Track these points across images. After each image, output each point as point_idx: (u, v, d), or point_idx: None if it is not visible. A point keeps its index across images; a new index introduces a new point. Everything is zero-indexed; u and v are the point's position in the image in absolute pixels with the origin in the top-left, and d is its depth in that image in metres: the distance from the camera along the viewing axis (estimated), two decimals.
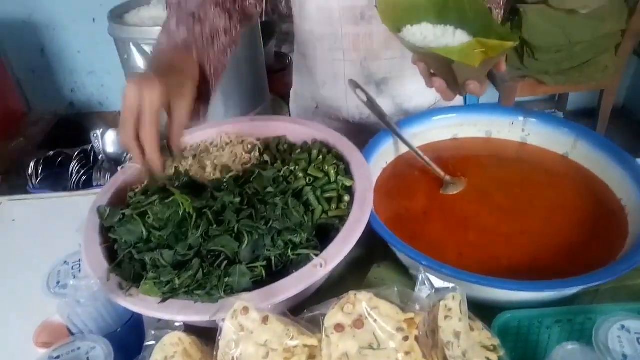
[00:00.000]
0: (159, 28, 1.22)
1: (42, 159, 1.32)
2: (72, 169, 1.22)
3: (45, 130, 2.24)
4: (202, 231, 0.62)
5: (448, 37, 0.70)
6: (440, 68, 0.70)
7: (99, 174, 1.19)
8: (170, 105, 0.63)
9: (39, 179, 1.24)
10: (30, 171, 1.26)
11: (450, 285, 0.57)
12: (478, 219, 0.74)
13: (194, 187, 0.71)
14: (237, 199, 0.67)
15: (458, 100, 1.10)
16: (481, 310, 0.64)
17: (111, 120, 2.87)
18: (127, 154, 1.23)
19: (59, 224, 0.85)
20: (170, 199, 0.66)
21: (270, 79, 1.69)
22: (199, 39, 0.74)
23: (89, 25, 2.55)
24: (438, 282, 0.58)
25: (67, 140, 2.33)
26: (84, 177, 1.22)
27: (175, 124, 0.64)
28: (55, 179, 1.26)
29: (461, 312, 0.56)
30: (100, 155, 1.24)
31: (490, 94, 2.61)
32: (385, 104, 0.98)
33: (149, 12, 1.28)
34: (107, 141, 1.22)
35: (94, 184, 1.23)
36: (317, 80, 1.04)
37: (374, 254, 0.80)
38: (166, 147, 0.66)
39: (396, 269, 0.75)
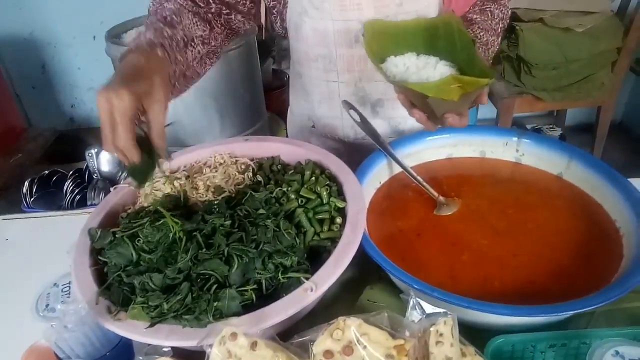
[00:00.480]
0: None
1: (36, 178, 1.32)
2: (67, 188, 1.21)
3: (44, 146, 2.25)
4: (191, 255, 0.61)
5: (429, 70, 0.71)
6: (418, 100, 0.70)
7: (93, 193, 1.18)
8: (145, 108, 0.63)
9: (33, 198, 1.24)
10: (24, 190, 1.26)
11: (442, 310, 0.56)
12: (471, 240, 0.74)
13: (185, 209, 0.71)
14: (228, 222, 0.66)
15: None
16: (473, 334, 0.63)
17: None
18: (121, 174, 1.23)
19: (52, 244, 0.84)
20: (161, 221, 0.66)
21: (268, 96, 1.70)
22: (167, 40, 0.73)
23: (89, 43, 2.57)
24: (429, 307, 0.57)
25: (66, 156, 2.34)
26: (78, 197, 1.22)
27: (153, 127, 0.64)
28: (50, 197, 1.25)
29: (453, 337, 0.55)
30: (95, 174, 1.23)
31: (488, 110, 2.62)
32: (381, 125, 0.98)
33: None
34: (102, 160, 1.22)
35: (89, 203, 1.23)
36: (312, 99, 1.04)
37: (368, 275, 0.79)
38: (152, 151, 0.66)
39: (389, 290, 0.74)
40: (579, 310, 0.58)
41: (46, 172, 1.35)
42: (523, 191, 0.84)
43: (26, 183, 1.27)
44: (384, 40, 0.77)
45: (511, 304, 0.61)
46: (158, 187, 0.77)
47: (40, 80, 2.73)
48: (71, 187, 1.21)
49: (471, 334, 0.63)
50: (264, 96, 1.63)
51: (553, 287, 0.66)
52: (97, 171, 1.22)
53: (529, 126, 2.71)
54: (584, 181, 0.82)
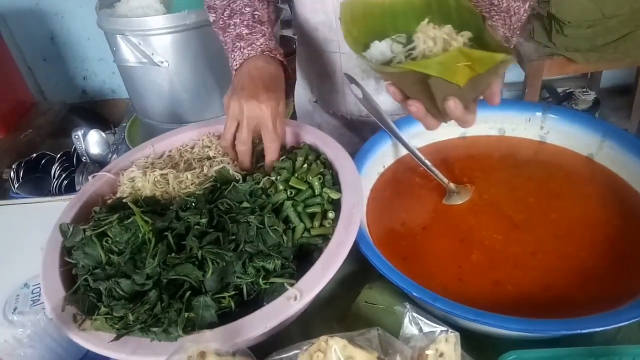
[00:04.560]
0: (148, 18, 1.16)
1: (23, 162, 1.27)
2: (54, 172, 1.16)
3: (54, 121, 2.21)
4: (159, 260, 0.55)
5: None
6: (416, 90, 0.58)
7: (81, 177, 1.13)
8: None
9: (19, 183, 1.19)
10: (11, 175, 1.21)
11: (441, 327, 0.48)
12: (483, 236, 0.65)
13: (160, 204, 0.64)
14: (205, 219, 0.59)
15: None
16: (482, 347, 0.55)
17: (123, 107, 2.84)
18: (112, 155, 1.16)
19: (34, 233, 0.79)
20: (130, 219, 0.59)
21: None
22: (272, 40, 0.76)
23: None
24: (427, 323, 0.49)
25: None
26: (66, 181, 1.17)
27: (271, 144, 0.69)
28: (38, 182, 1.21)
29: (455, 356, 0.48)
30: (84, 157, 1.17)
31: (515, 74, 2.45)
32: (385, 102, 0.88)
33: (139, 0, 1.20)
34: (90, 142, 1.15)
35: (77, 187, 1.17)
36: (315, 72, 0.97)
37: (368, 270, 0.72)
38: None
39: (391, 290, 0.66)
40: (607, 327, 0.49)
41: (34, 155, 1.30)
42: (547, 176, 0.74)
43: (13, 167, 1.22)
44: (367, 23, 0.66)
45: (527, 313, 0.53)
46: (133, 177, 0.70)
47: (51, 52, 2.68)
48: (59, 171, 1.15)
49: (479, 346, 0.56)
50: None
51: (577, 293, 0.57)
52: (85, 154, 1.16)
53: (559, 90, 2.52)
54: (619, 164, 0.71)
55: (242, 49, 0.73)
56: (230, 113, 0.68)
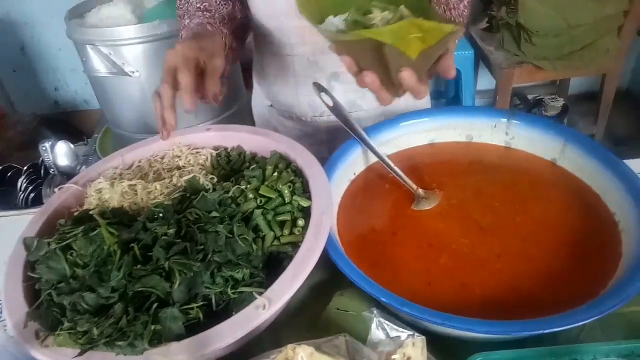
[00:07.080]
0: (119, 28, 1.15)
1: None
2: (20, 185, 1.13)
3: (24, 132, 2.17)
4: (124, 272, 0.54)
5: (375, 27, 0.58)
6: (370, 60, 0.58)
7: (48, 190, 1.10)
8: (205, 62, 0.69)
9: None
10: None
11: (408, 331, 0.49)
12: (451, 240, 0.66)
13: (128, 215, 0.63)
14: (172, 230, 0.59)
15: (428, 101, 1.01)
16: (449, 349, 0.56)
17: (97, 118, 2.79)
18: (80, 167, 1.14)
19: None
20: (96, 231, 0.58)
21: (251, 73, 1.60)
22: (209, 19, 0.82)
23: None
24: (394, 328, 0.50)
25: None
26: (32, 194, 1.14)
27: (209, 72, 0.69)
28: (3, 195, 1.17)
29: None
30: (52, 169, 1.15)
31: (487, 81, 2.51)
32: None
33: (109, 10, 1.19)
34: (58, 153, 1.13)
35: (44, 200, 1.15)
36: (269, 75, 0.99)
37: (339, 277, 0.72)
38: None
39: (362, 296, 0.67)
40: (566, 327, 0.51)
41: None
42: (512, 180, 0.76)
43: None
44: (323, 2, 0.64)
45: (492, 314, 0.54)
46: (101, 188, 0.69)
47: (21, 63, 2.62)
48: (25, 184, 1.13)
49: (447, 349, 0.56)
50: (247, 73, 1.53)
51: (540, 293, 0.58)
52: (53, 165, 1.13)
53: (530, 97, 2.59)
54: (581, 168, 0.73)
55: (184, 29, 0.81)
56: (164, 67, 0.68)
